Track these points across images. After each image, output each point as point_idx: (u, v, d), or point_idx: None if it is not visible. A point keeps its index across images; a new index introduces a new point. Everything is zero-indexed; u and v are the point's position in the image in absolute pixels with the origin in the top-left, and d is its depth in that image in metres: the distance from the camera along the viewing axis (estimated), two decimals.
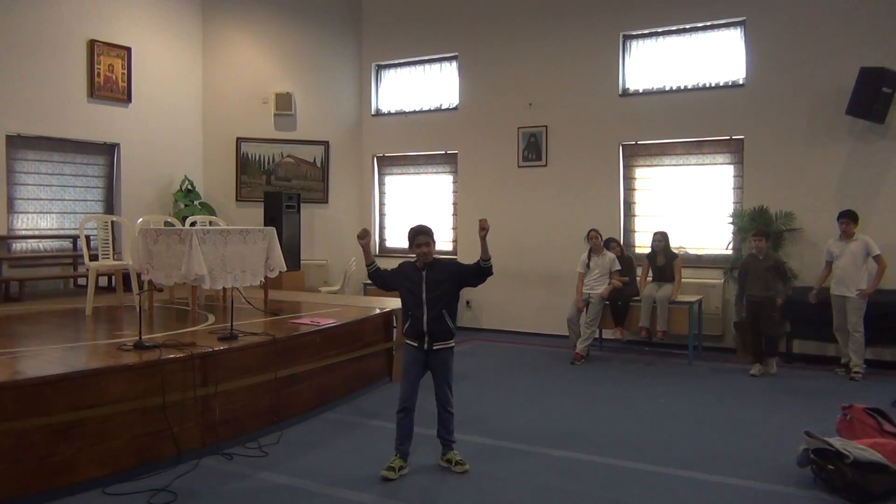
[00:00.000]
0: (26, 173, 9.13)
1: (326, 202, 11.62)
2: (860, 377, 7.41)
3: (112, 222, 8.24)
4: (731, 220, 9.05)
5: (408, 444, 4.67)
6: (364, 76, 11.87)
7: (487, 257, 4.62)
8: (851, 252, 7.48)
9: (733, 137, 9.13)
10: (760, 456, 5.05)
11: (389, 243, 11.87)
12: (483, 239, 4.59)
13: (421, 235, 4.73)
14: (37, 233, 9.24)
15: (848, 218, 7.53)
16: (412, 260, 4.80)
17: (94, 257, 7.88)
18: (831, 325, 7.77)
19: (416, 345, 4.71)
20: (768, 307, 7.63)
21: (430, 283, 4.66)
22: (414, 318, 4.68)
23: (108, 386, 4.47)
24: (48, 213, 9.40)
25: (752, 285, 7.66)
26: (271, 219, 10.04)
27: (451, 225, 11.28)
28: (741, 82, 9.06)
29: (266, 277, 7.48)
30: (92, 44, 9.58)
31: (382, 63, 11.82)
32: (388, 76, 11.87)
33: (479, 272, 4.66)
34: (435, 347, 4.69)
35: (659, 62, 9.66)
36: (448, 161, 11.29)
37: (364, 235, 4.77)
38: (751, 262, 7.73)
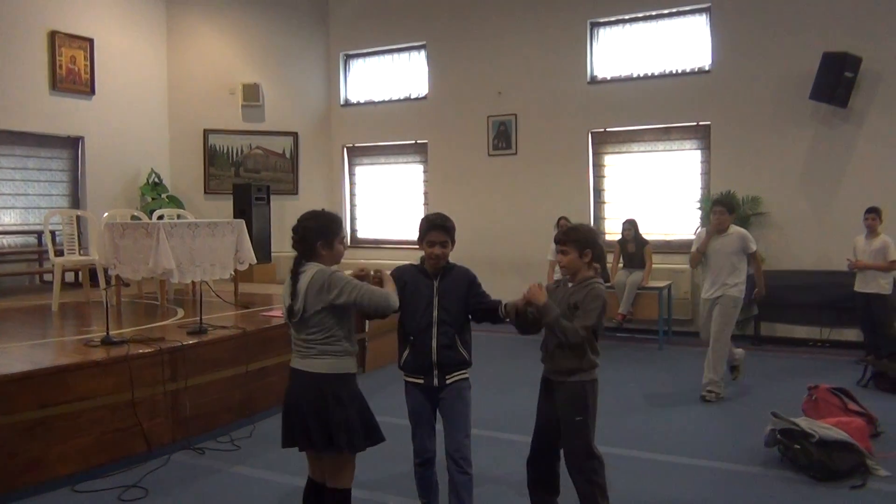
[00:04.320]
0: None
1: (297, 193, 11.54)
2: None
3: (77, 217, 8.12)
4: (698, 205, 9.15)
5: (435, 496, 3.68)
6: (332, 66, 11.78)
7: (506, 316, 3.58)
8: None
9: (700, 123, 9.22)
10: (729, 437, 5.14)
11: (361, 234, 11.83)
12: (525, 307, 3.45)
13: (434, 230, 3.48)
14: (0, 228, 9.07)
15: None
16: (416, 264, 3.61)
17: (59, 253, 7.76)
18: (799, 308, 7.98)
19: (421, 381, 3.49)
20: (570, 409, 3.44)
21: (443, 295, 3.50)
22: (417, 346, 3.47)
23: (75, 383, 4.42)
24: (11, 208, 9.23)
25: (547, 354, 3.53)
26: (241, 211, 9.95)
27: (421, 214, 11.23)
28: (707, 68, 9.14)
29: (236, 270, 7.43)
30: (53, 35, 9.38)
31: (350, 52, 11.74)
32: (357, 66, 11.79)
33: (492, 316, 3.60)
34: (448, 381, 3.48)
35: (626, 49, 9.70)
36: (418, 151, 11.26)
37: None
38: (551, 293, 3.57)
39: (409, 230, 11.33)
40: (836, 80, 8.04)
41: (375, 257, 11.19)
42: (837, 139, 8.45)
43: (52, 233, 8.15)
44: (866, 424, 4.84)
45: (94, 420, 4.48)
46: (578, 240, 3.46)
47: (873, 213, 7.21)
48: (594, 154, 9.92)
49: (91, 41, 9.82)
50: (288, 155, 11.53)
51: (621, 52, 9.73)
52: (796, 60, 8.48)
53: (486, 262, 10.37)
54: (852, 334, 8.08)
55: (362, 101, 11.69)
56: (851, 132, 8.38)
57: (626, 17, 9.65)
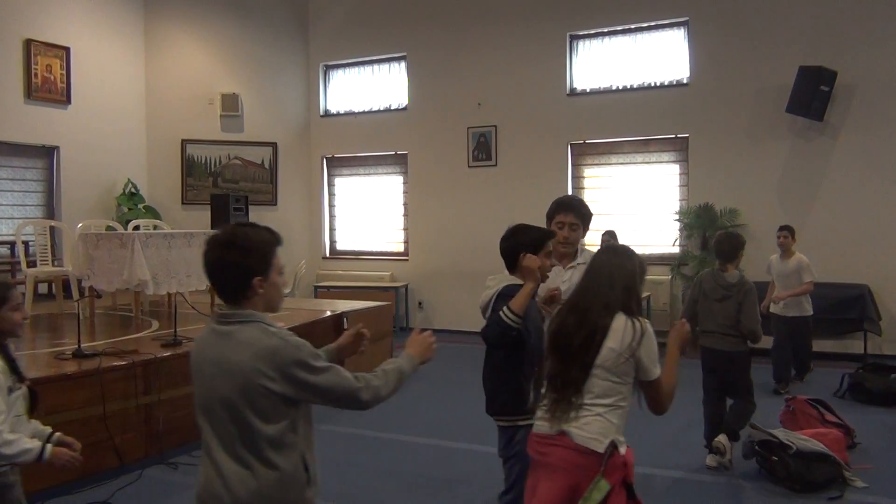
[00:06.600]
0: None
1: (275, 204, 11.46)
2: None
3: (51, 227, 8.01)
4: (677, 217, 9.20)
5: None
6: (312, 76, 11.74)
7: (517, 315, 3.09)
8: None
9: (678, 136, 9.28)
10: (707, 449, 5.12)
11: (340, 246, 11.77)
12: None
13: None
14: None
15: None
16: (519, 283, 3.15)
17: (32, 263, 7.64)
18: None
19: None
20: (734, 375, 4.82)
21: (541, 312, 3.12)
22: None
23: (45, 396, 4.28)
24: None
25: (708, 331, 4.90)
26: (218, 222, 9.84)
27: (401, 226, 11.22)
28: (685, 81, 9.21)
29: None
30: (28, 43, 9.26)
31: (330, 63, 11.71)
32: (337, 76, 11.76)
33: None
34: None
35: (606, 62, 9.76)
36: (398, 162, 11.23)
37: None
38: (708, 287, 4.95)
39: (389, 242, 11.31)
40: (812, 94, 8.12)
41: (354, 269, 11.16)
42: (813, 152, 8.54)
43: (25, 243, 8.03)
44: (843, 436, 4.86)
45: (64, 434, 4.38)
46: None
47: (786, 230, 6.92)
48: (573, 166, 9.95)
49: (67, 50, 9.71)
50: (267, 165, 11.45)
51: (601, 64, 9.78)
52: (773, 74, 8.56)
53: (466, 273, 10.36)
54: (829, 345, 8.13)
55: (342, 111, 11.66)
56: (827, 145, 8.47)
57: (606, 30, 9.70)
